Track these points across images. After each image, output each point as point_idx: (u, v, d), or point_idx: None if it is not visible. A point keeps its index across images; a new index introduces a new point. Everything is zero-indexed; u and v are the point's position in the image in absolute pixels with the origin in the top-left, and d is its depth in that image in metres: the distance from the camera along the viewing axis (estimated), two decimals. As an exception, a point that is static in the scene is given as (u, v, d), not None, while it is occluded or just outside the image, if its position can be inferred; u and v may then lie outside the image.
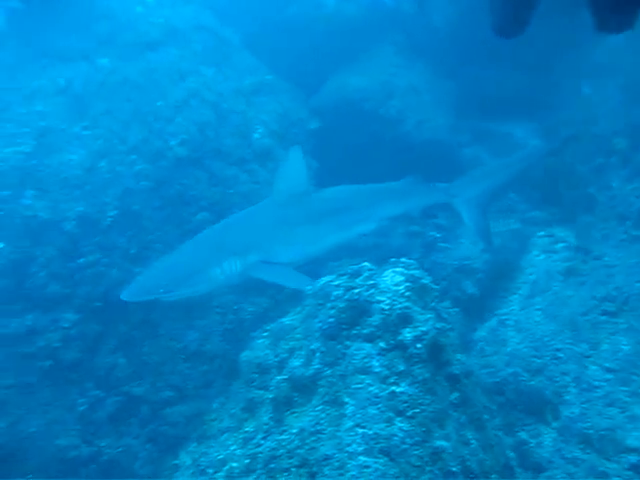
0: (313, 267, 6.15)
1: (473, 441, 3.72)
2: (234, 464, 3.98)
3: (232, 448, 4.21)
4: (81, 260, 6.03)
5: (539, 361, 5.14)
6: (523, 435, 4.73)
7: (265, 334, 4.98)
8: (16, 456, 5.55)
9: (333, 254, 6.38)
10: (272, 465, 3.67)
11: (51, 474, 5.57)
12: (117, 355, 5.98)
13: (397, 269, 4.35)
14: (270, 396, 4.20)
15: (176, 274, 5.39)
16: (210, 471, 4.12)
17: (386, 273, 4.32)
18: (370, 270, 4.41)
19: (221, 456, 4.18)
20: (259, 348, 4.87)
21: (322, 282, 4.48)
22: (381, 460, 3.40)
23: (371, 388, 3.72)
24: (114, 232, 6.20)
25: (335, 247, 6.15)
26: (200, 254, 5.57)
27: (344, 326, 4.10)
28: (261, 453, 3.82)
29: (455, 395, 3.84)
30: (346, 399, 3.74)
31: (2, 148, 6.28)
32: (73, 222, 6.07)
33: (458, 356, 4.04)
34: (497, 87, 7.84)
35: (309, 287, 4.90)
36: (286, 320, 4.88)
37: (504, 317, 5.87)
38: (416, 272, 4.37)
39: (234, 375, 5.22)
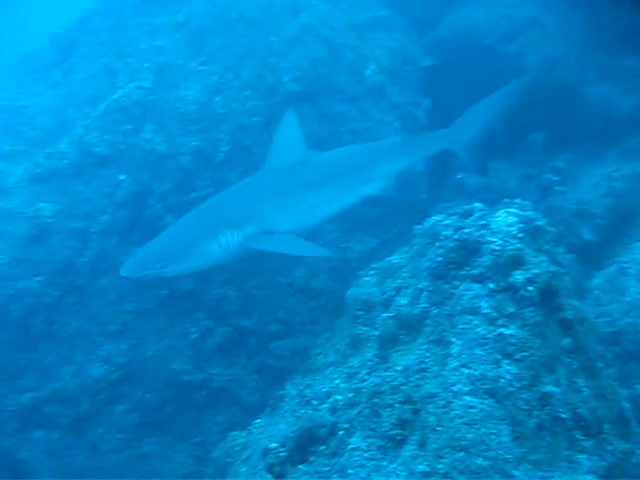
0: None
1: (585, 389, 3.56)
2: (338, 397, 4.01)
3: (336, 382, 4.23)
4: (194, 194, 6.22)
5: (663, 312, 4.83)
6: (641, 387, 4.50)
7: (372, 272, 4.93)
8: (135, 376, 5.93)
9: (340, 219, 6.14)
10: (376, 400, 3.68)
11: (166, 395, 5.92)
12: (227, 288, 6.19)
13: (510, 210, 4.16)
14: (375, 333, 4.19)
15: (173, 249, 5.28)
16: (315, 402, 4.17)
17: (498, 214, 4.15)
18: (482, 210, 4.25)
19: (325, 389, 4.22)
20: (365, 285, 4.83)
21: (431, 221, 4.37)
22: (487, 401, 3.33)
23: (478, 329, 3.63)
24: (226, 167, 6.35)
25: (341, 211, 5.84)
26: (197, 228, 5.41)
27: (453, 266, 4.00)
28: (365, 388, 3.84)
29: (567, 341, 3.67)
30: (452, 339, 3.67)
31: (126, 83, 6.56)
32: (188, 156, 6.26)
33: (572, 301, 3.83)
34: (633, 17, 7.19)
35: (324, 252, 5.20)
36: (393, 258, 4.80)
37: (625, 265, 5.52)
38: (530, 213, 4.16)
39: (339, 312, 5.25)
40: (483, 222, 4.08)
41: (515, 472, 3.11)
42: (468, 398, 3.36)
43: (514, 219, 4.04)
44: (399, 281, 4.45)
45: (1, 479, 5.69)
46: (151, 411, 5.90)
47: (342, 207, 5.81)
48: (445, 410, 3.37)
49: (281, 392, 4.85)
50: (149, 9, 7.32)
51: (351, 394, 3.92)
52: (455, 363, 3.55)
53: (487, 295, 3.75)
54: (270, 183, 5.61)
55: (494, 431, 3.23)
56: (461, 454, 3.17)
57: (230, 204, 5.56)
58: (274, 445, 3.92)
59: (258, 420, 4.79)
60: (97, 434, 5.79)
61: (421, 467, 3.23)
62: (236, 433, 4.91)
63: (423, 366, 3.66)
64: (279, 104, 6.53)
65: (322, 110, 6.79)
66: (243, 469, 4.32)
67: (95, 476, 5.69)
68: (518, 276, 3.72)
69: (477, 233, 4.02)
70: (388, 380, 3.73)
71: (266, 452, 3.96)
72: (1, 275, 5.92)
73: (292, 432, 3.92)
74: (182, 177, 6.26)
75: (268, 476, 3.78)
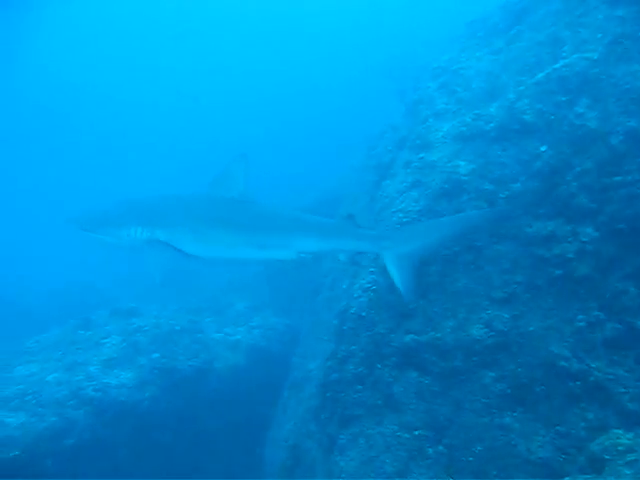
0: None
1: None
2: None
3: None
4: (618, 178, 5.82)
5: None
6: None
7: None
8: (511, 347, 5.87)
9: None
10: None
11: (537, 375, 5.75)
12: (628, 283, 5.71)
13: None
14: None
15: (96, 219, 6.16)
16: None
17: None
18: None
19: None
20: None
21: None
22: None
23: None
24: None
25: (247, 261, 6.37)
26: (122, 212, 6.14)
27: None
28: None
29: None
30: None
31: (570, 54, 6.36)
32: (621, 137, 5.86)
33: None
34: None
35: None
36: None
37: None
38: None
39: None
40: None
41: None
42: None
43: None
44: None
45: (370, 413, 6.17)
46: (519, 386, 5.79)
47: (250, 258, 6.11)
48: None
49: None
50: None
51: None
52: None
53: None
54: (196, 206, 6.17)
55: None
56: None
57: (158, 206, 6.28)
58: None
59: (651, 426, 4.38)
60: (463, 392, 5.90)
61: None
62: (620, 432, 4.56)
63: None
64: None
65: None
66: (627, 472, 4.00)
67: (454, 430, 5.84)
68: None
69: None
70: None
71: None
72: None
73: None
74: (608, 158, 5.87)
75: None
